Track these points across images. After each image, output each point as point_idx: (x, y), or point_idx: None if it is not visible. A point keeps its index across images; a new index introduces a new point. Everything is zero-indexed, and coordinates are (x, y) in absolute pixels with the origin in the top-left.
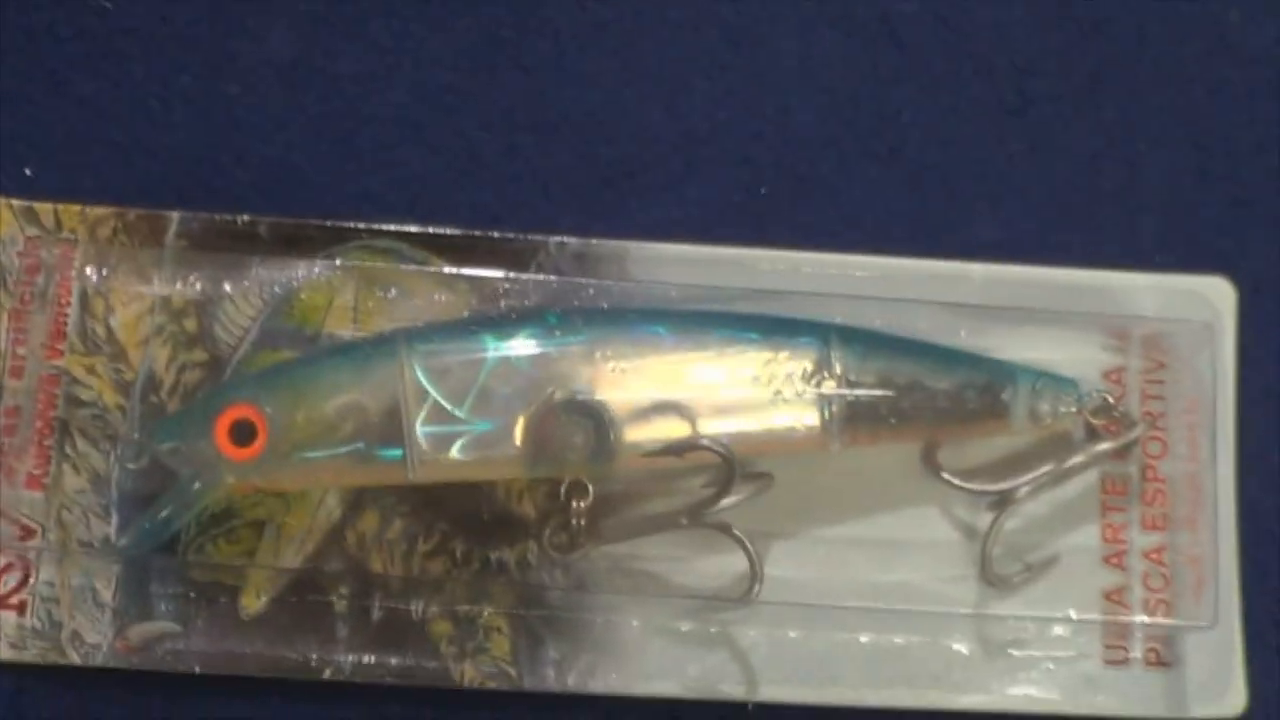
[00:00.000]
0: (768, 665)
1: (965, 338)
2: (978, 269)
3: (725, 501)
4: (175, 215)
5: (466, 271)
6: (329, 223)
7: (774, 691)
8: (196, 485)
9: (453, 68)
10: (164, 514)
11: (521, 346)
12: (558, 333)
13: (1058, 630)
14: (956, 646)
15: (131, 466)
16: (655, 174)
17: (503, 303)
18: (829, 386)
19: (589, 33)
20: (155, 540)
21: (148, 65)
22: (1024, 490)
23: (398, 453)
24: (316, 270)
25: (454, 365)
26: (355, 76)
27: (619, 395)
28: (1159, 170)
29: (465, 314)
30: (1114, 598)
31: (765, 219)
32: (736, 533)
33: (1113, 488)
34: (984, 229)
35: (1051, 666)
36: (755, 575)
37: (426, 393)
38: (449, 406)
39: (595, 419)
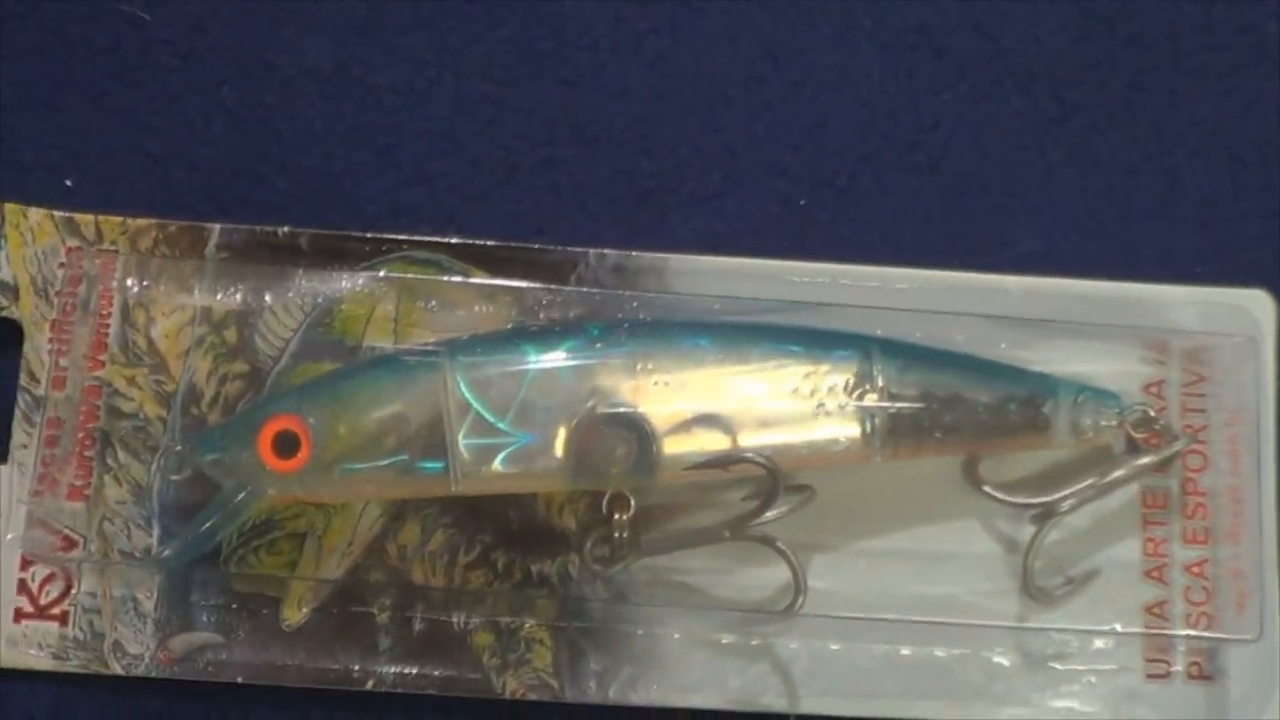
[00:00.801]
0: (809, 678)
1: (1005, 350)
2: (1017, 282)
3: (768, 515)
4: (216, 227)
5: (508, 283)
6: (369, 234)
7: (815, 704)
8: (239, 497)
9: (492, 80)
10: (207, 525)
11: (564, 358)
12: (599, 345)
13: (1099, 644)
14: (998, 659)
15: (174, 478)
16: (694, 186)
17: (544, 315)
18: (871, 399)
19: (627, 45)
20: (198, 551)
21: (186, 77)
22: (1067, 503)
23: (440, 465)
24: (359, 282)
25: (496, 377)
26: (394, 88)
27: (661, 408)
28: (1197, 182)
29: (507, 326)
30: (1155, 611)
31: (804, 231)
32: (780, 545)
33: (1153, 501)
34: (1022, 241)
35: (1093, 680)
36: (799, 588)
37: (469, 405)
38: (491, 419)
39: (637, 431)
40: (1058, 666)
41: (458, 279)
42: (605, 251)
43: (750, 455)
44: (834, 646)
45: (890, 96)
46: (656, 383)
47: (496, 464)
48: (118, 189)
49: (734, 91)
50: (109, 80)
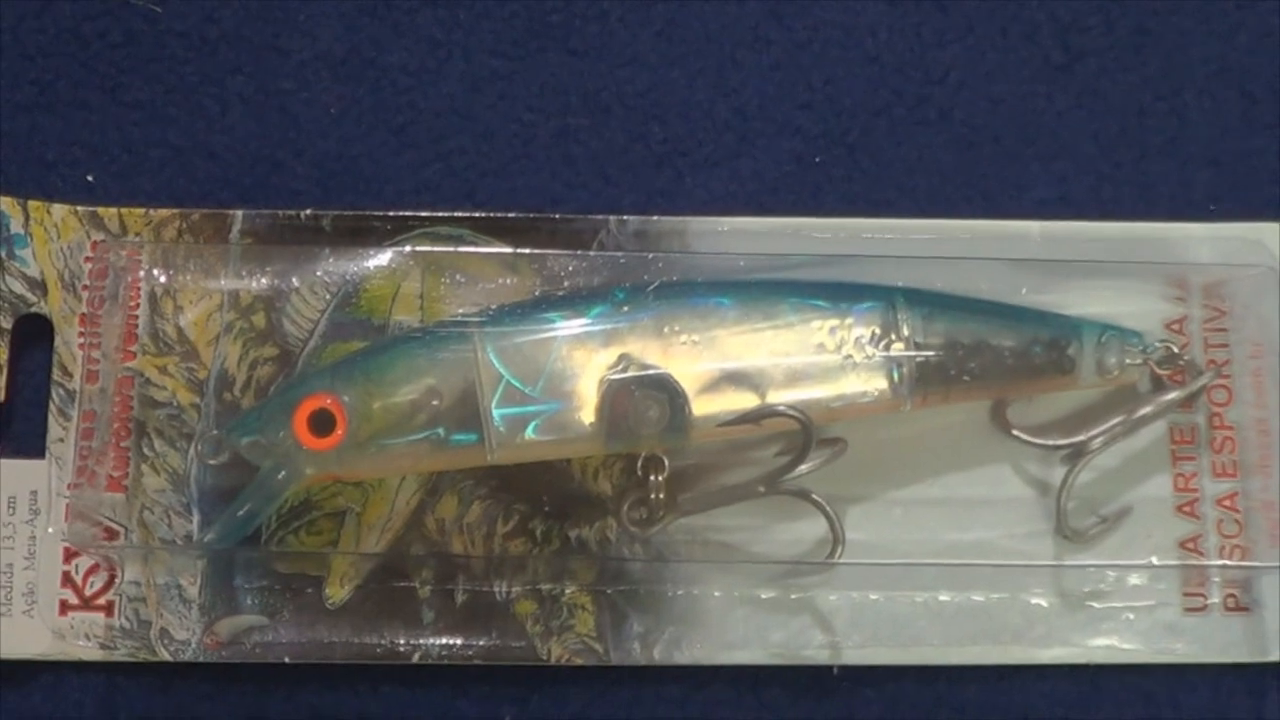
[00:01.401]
0: (850, 629)
1: (1027, 295)
2: (1035, 226)
3: (801, 468)
4: (238, 213)
5: (531, 251)
6: (391, 213)
7: (858, 654)
8: (278, 478)
9: (502, 55)
10: (247, 508)
11: (591, 324)
12: (626, 309)
13: (1136, 580)
14: (1036, 601)
15: (211, 462)
16: (708, 149)
17: (568, 282)
18: (897, 349)
19: (635, 13)
20: (239, 535)
21: (201, 67)
22: (1096, 443)
23: (474, 436)
24: (386, 258)
25: (525, 346)
26: (406, 67)
27: (690, 368)
28: (1208, 120)
29: (533, 295)
30: (1189, 546)
31: (820, 188)
32: (815, 497)
33: (1181, 437)
34: (1037, 187)
35: (1131, 616)
36: (836, 538)
37: (500, 375)
38: (523, 387)
39: (668, 392)
40: (1096, 605)
41: (481, 249)
42: (626, 217)
43: (782, 409)
44: (873, 596)
45: (898, 51)
46: (684, 343)
47: (530, 432)
48: (139, 181)
49: (742, 54)
50: (125, 74)
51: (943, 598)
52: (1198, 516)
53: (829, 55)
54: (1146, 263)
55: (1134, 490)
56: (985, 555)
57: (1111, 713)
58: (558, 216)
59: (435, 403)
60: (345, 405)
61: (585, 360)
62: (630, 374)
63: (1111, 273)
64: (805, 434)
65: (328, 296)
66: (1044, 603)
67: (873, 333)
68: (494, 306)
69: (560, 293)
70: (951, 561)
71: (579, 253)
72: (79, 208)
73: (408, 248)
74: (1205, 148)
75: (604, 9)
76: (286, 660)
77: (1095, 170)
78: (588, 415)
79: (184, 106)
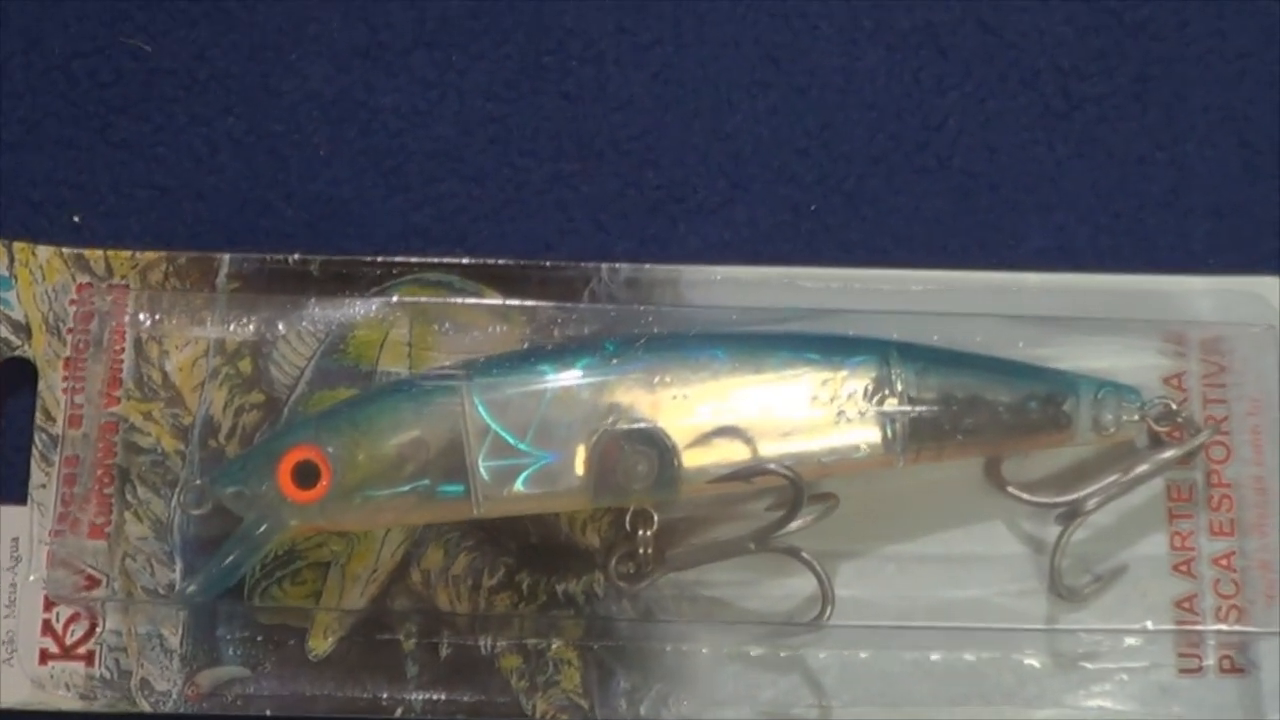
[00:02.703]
0: (840, 687)
1: (1023, 349)
2: (1032, 278)
3: (792, 525)
4: (225, 257)
5: (521, 303)
6: (380, 258)
7: (847, 713)
8: (261, 529)
9: (495, 98)
10: (229, 560)
11: (580, 376)
12: (615, 361)
13: (1130, 641)
14: (1029, 661)
15: (194, 512)
16: (703, 196)
17: (558, 332)
18: (891, 404)
19: (630, 56)
20: (222, 586)
21: (190, 107)
22: (1092, 501)
23: (461, 488)
24: (372, 307)
25: (514, 398)
26: (398, 109)
27: (680, 422)
28: (1209, 170)
29: (522, 345)
30: (1185, 606)
31: (815, 237)
32: (806, 556)
33: (1178, 495)
34: (1035, 237)
35: (1125, 678)
36: (826, 598)
37: (488, 427)
38: (511, 440)
39: (658, 447)
40: (1089, 666)
41: (471, 300)
42: (618, 265)
43: (772, 466)
44: (863, 655)
45: (896, 98)
46: (675, 397)
47: (518, 485)
48: (126, 223)
49: (738, 98)
50: (113, 114)
51: (934, 657)
52: (1194, 575)
53: (826, 101)
54: (1145, 320)
55: (1130, 548)
56: (978, 613)
57: None
58: (548, 264)
59: (421, 455)
60: (330, 456)
61: (574, 413)
62: (620, 427)
63: (1109, 327)
64: (796, 492)
65: (315, 343)
66: (1036, 663)
67: (866, 387)
68: (482, 357)
69: (550, 344)
70: (942, 624)
71: (569, 305)
72: (65, 250)
73: (395, 297)
74: (1205, 199)
75: (599, 52)
76: (268, 713)
77: (1094, 220)
78: (576, 469)
79: (173, 147)
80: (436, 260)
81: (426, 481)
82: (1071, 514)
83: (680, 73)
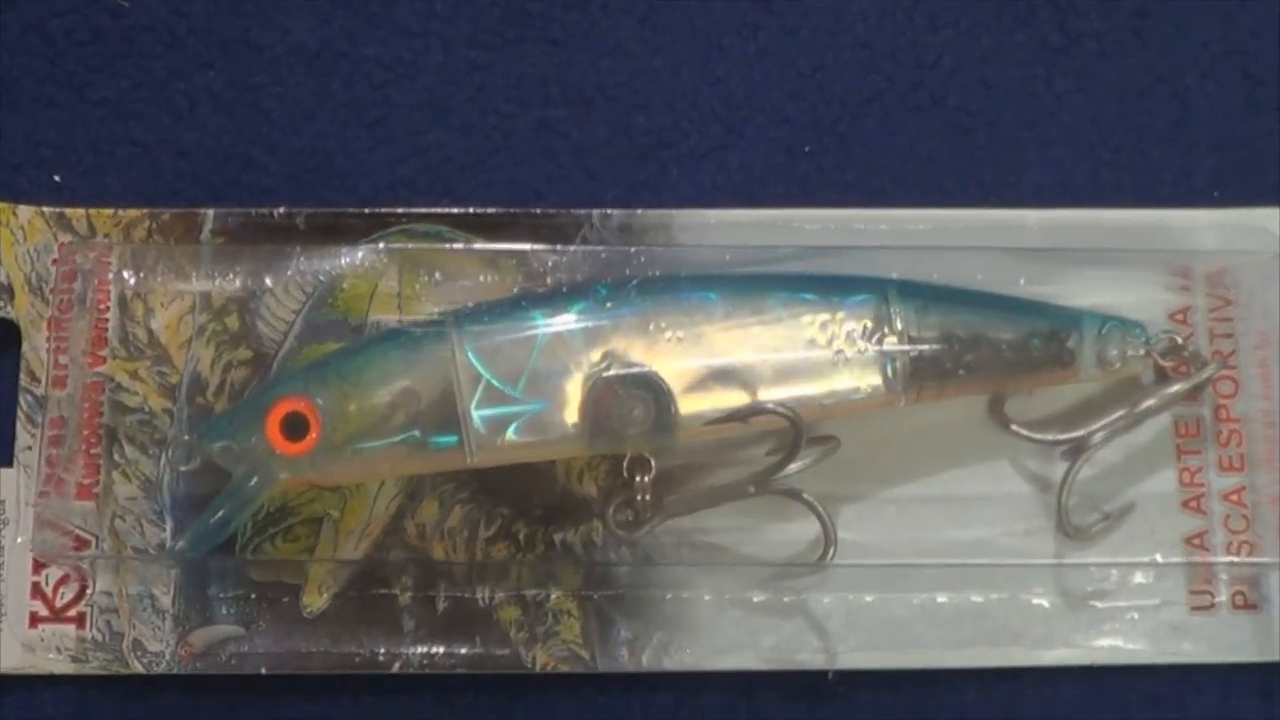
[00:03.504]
0: (845, 632)
1: (1025, 286)
2: (1033, 215)
3: (792, 467)
4: (210, 212)
5: (511, 246)
6: (367, 210)
7: (853, 658)
8: (251, 483)
9: (480, 46)
10: (219, 515)
11: (573, 321)
12: (609, 305)
13: (1140, 579)
14: (1037, 601)
15: (183, 469)
16: (694, 140)
17: (550, 279)
18: (890, 343)
19: (616, 1)
20: (212, 543)
21: (170, 62)
22: (1097, 437)
23: (454, 439)
24: (359, 256)
25: (505, 345)
26: (382, 60)
27: (676, 365)
28: (1210, 103)
29: (513, 292)
30: (1195, 542)
31: (810, 179)
32: (807, 497)
33: (1186, 431)
34: (1034, 174)
35: (1136, 616)
36: (829, 539)
37: (479, 375)
38: (503, 387)
39: (653, 390)
40: (1099, 605)
41: (460, 245)
42: (609, 211)
43: (770, 406)
44: (868, 598)
45: (889, 37)
46: (670, 340)
47: (511, 433)
48: (108, 181)
49: (729, 41)
50: (92, 72)
51: (940, 599)
52: (1204, 512)
53: (818, 42)
54: (1148, 251)
55: (1137, 486)
56: (983, 554)
57: (1116, 716)
58: (539, 211)
59: (412, 404)
60: (319, 408)
61: (567, 358)
62: (614, 372)
63: (1112, 262)
64: (795, 432)
65: (302, 296)
66: (1045, 603)
67: (865, 327)
68: (472, 304)
69: (541, 289)
70: (947, 561)
71: (560, 248)
72: (46, 209)
73: (383, 245)
74: (1207, 132)
75: None
76: (263, 671)
77: (1094, 156)
78: (570, 415)
79: (153, 103)
80: (425, 211)
81: (418, 432)
82: (1077, 450)
83: (668, 16)
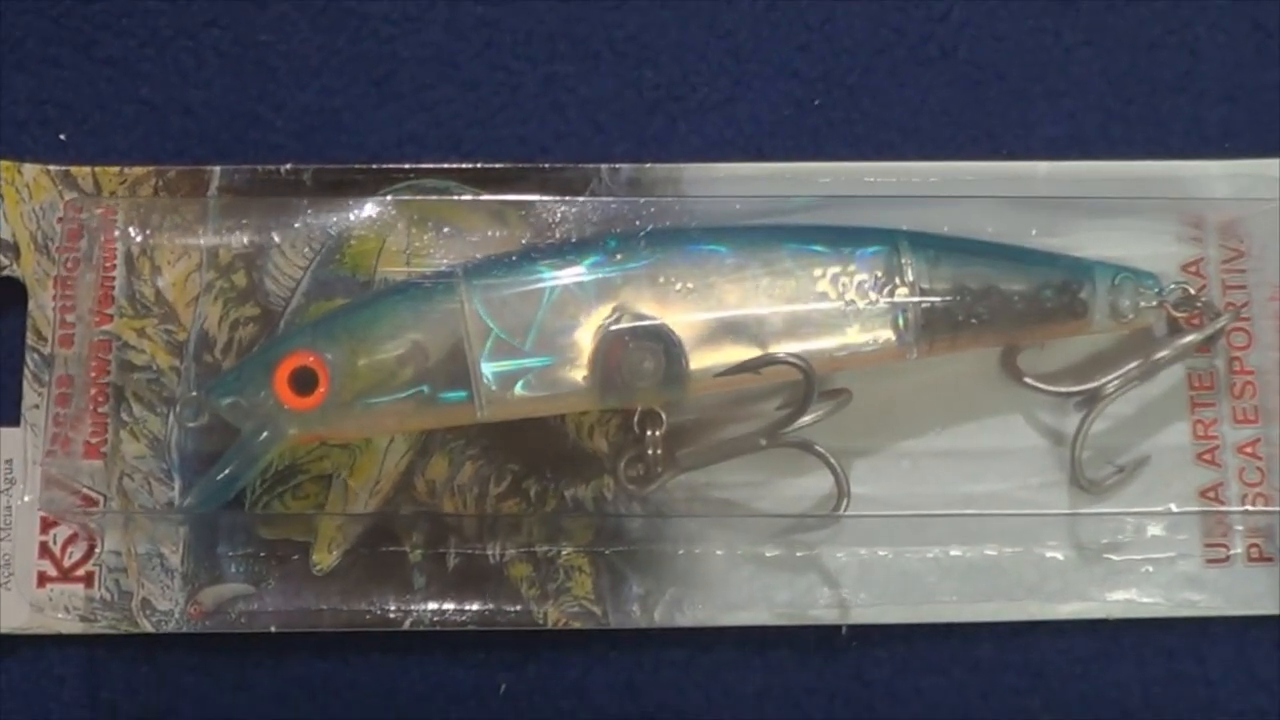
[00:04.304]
0: (859, 587)
1: (1036, 238)
2: (1044, 167)
3: (804, 419)
4: (216, 170)
5: (519, 198)
6: (374, 166)
7: (867, 613)
8: (260, 439)
9: (487, 1)
10: (228, 471)
11: (583, 274)
12: (619, 257)
13: (1155, 531)
14: (1051, 554)
15: (191, 425)
16: (703, 94)
17: (559, 232)
18: (902, 294)
19: None
20: (220, 499)
21: (175, 19)
22: (1111, 388)
23: (463, 393)
24: (366, 210)
25: (515, 298)
26: (388, 16)
27: (686, 318)
28: (1220, 54)
29: (522, 245)
30: (1210, 495)
31: (819, 132)
32: (819, 448)
33: (1200, 383)
34: (1044, 126)
35: (1151, 569)
36: (842, 491)
37: (489, 328)
38: (513, 341)
39: (664, 343)
40: (1113, 558)
41: (468, 197)
42: (618, 166)
43: (782, 356)
44: (882, 552)
45: None
46: (680, 292)
47: (521, 388)
48: (114, 139)
49: None
50: (97, 29)
51: (954, 553)
52: (1218, 464)
53: None
54: (1160, 205)
55: (1151, 438)
56: (997, 508)
57: (1131, 669)
58: (547, 166)
59: (421, 358)
60: (328, 362)
61: (577, 311)
62: (624, 325)
63: (1123, 213)
64: (807, 382)
65: (310, 253)
66: (1059, 556)
67: (876, 278)
68: (480, 257)
69: (550, 242)
70: (960, 512)
71: (568, 199)
72: (51, 167)
73: (390, 198)
74: (1218, 83)
75: None
76: (273, 629)
77: (1104, 108)
78: (580, 369)
79: (158, 61)
80: (432, 166)
81: (427, 386)
82: (1090, 402)
83: None
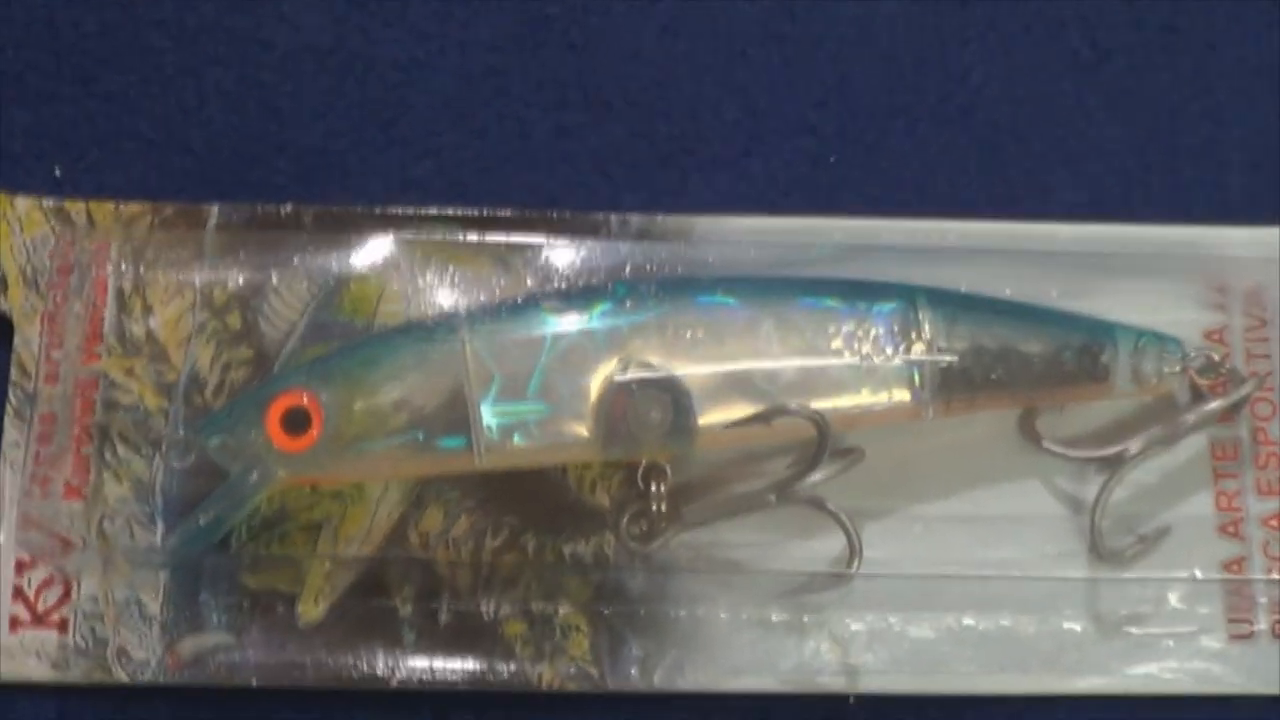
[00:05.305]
0: (868, 655)
1: (1057, 302)
2: (1064, 230)
3: (815, 477)
4: (214, 208)
5: (526, 240)
6: (377, 209)
7: (876, 682)
8: (248, 481)
9: (498, 49)
10: (214, 513)
11: (589, 322)
12: (627, 304)
13: (1177, 604)
14: (1069, 626)
15: (177, 465)
16: (716, 148)
17: (566, 278)
18: (918, 352)
19: (639, 7)
20: (204, 542)
21: (179, 57)
22: (1132, 453)
23: (462, 440)
24: (368, 252)
25: (518, 344)
26: (396, 61)
27: (695, 369)
28: (1242, 119)
29: (527, 291)
30: (1233, 569)
31: (834, 191)
32: (830, 507)
33: (1223, 454)
34: (1064, 191)
35: (1172, 643)
36: (853, 549)
37: (491, 374)
38: (515, 388)
39: (672, 393)
40: (1134, 630)
41: (473, 238)
42: (628, 216)
43: (794, 407)
44: (892, 620)
45: (915, 49)
46: (689, 344)
47: (521, 436)
48: (111, 176)
49: (753, 49)
50: (98, 65)
51: (967, 621)
52: (1242, 537)
53: (844, 53)
54: (1183, 271)
55: (1173, 509)
56: (1013, 578)
57: None
58: (554, 214)
59: (420, 403)
60: (322, 402)
61: (582, 359)
62: (631, 374)
63: (1146, 279)
64: (820, 435)
65: (308, 296)
66: (1077, 627)
67: (892, 334)
68: (484, 302)
69: (556, 289)
70: (977, 574)
71: (579, 240)
72: (45, 201)
73: (393, 238)
74: (1241, 150)
75: (606, 2)
76: (254, 683)
77: (1125, 173)
78: (584, 418)
79: (159, 98)
80: (438, 213)
81: (424, 432)
82: (1114, 463)
83: (691, 23)
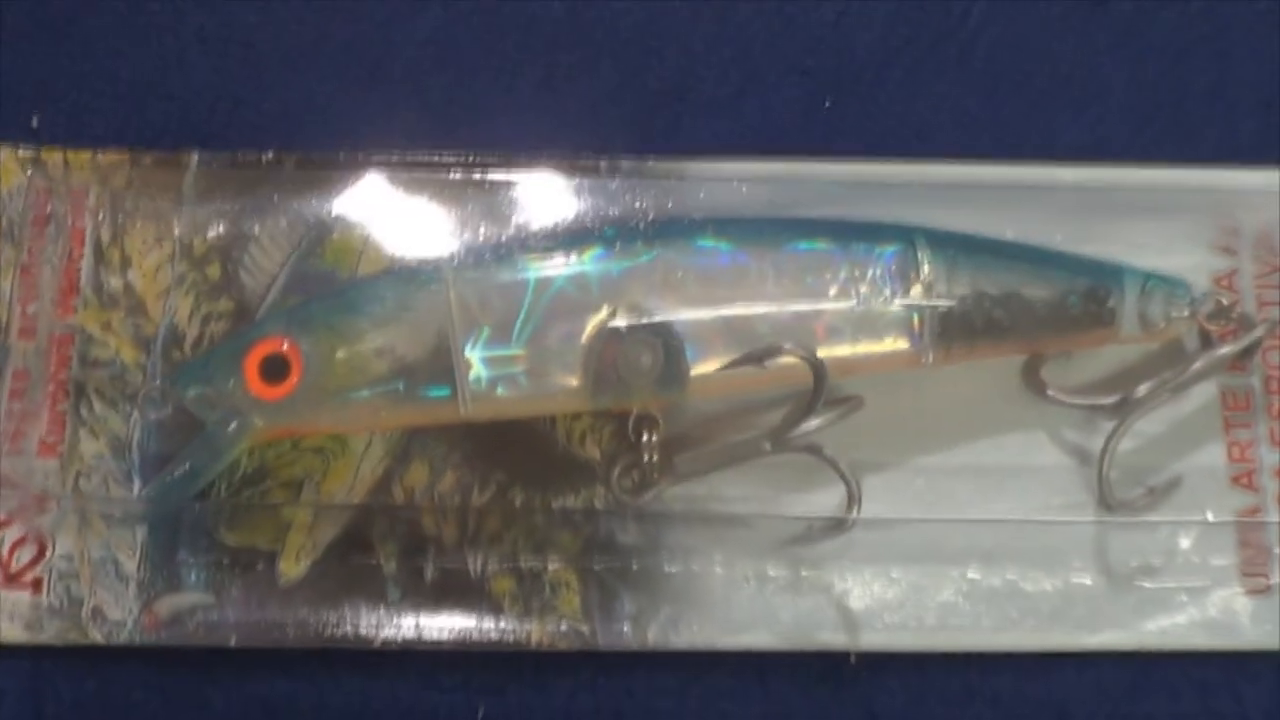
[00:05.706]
0: (869, 610)
1: (1061, 246)
2: (1067, 172)
3: (811, 423)
4: (194, 156)
5: (514, 176)
6: (360, 155)
7: (877, 638)
8: (226, 431)
9: None
10: (190, 465)
11: (578, 267)
12: (617, 249)
13: (1191, 557)
14: (1078, 579)
15: (154, 417)
16: (710, 90)
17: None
18: (917, 296)
19: None
20: (181, 495)
21: (156, 3)
22: (1141, 391)
23: (446, 389)
24: (350, 198)
25: (504, 290)
26: (383, 1)
27: (687, 314)
28: (1252, 60)
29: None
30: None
31: (830, 134)
32: (827, 453)
33: (1235, 403)
34: (1068, 133)
35: (1185, 598)
36: (852, 496)
37: (476, 321)
38: (501, 335)
39: (663, 338)
40: (1146, 584)
41: (458, 176)
42: (618, 159)
43: (789, 347)
44: (894, 574)
45: None
46: (681, 288)
47: (509, 385)
48: (89, 123)
49: None
50: (76, 8)
51: (972, 575)
52: (1255, 489)
53: None
54: (1192, 211)
55: (1184, 460)
56: (1020, 528)
57: (1164, 705)
58: (543, 158)
59: (403, 351)
60: (301, 350)
61: (570, 305)
62: (620, 319)
63: (1152, 221)
64: (817, 378)
65: (289, 246)
66: (1087, 581)
67: (890, 278)
68: (468, 247)
69: (543, 232)
70: (982, 518)
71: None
72: (20, 150)
73: (376, 180)
74: (1251, 91)
75: None
76: (233, 643)
77: (1132, 116)
78: (574, 366)
79: (139, 43)
80: (424, 158)
81: (407, 381)
82: (1121, 411)
83: None
